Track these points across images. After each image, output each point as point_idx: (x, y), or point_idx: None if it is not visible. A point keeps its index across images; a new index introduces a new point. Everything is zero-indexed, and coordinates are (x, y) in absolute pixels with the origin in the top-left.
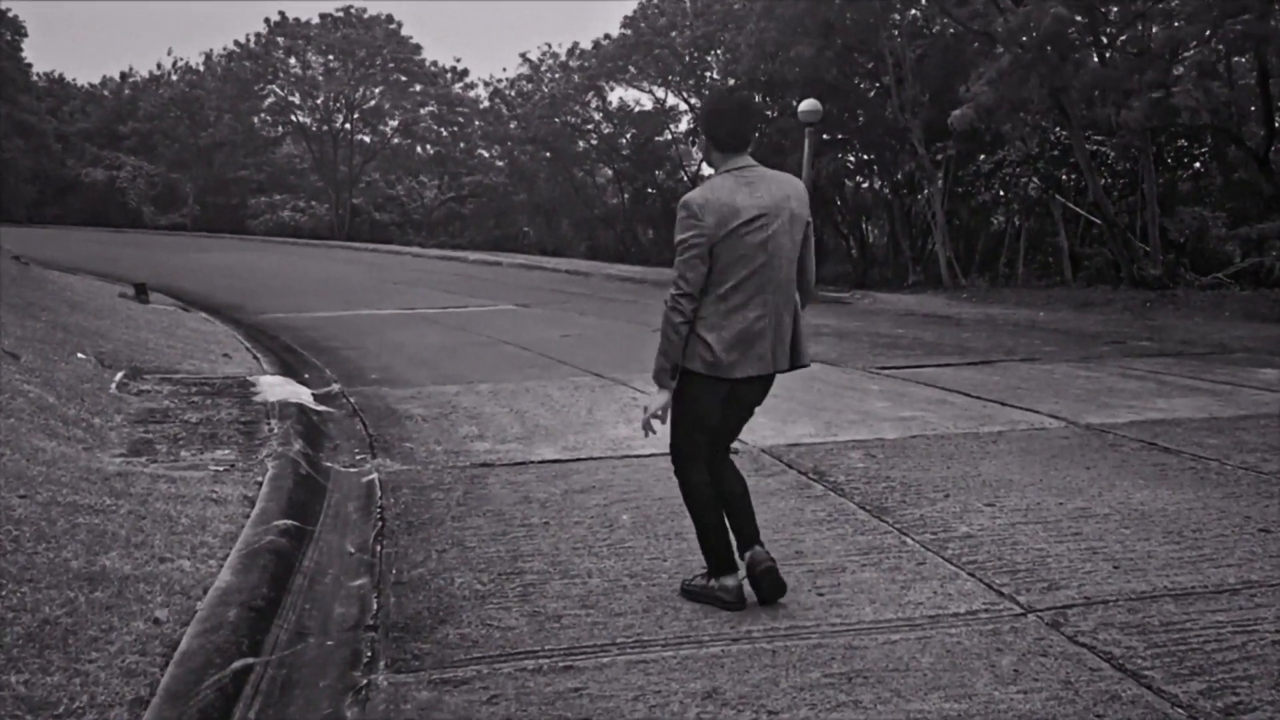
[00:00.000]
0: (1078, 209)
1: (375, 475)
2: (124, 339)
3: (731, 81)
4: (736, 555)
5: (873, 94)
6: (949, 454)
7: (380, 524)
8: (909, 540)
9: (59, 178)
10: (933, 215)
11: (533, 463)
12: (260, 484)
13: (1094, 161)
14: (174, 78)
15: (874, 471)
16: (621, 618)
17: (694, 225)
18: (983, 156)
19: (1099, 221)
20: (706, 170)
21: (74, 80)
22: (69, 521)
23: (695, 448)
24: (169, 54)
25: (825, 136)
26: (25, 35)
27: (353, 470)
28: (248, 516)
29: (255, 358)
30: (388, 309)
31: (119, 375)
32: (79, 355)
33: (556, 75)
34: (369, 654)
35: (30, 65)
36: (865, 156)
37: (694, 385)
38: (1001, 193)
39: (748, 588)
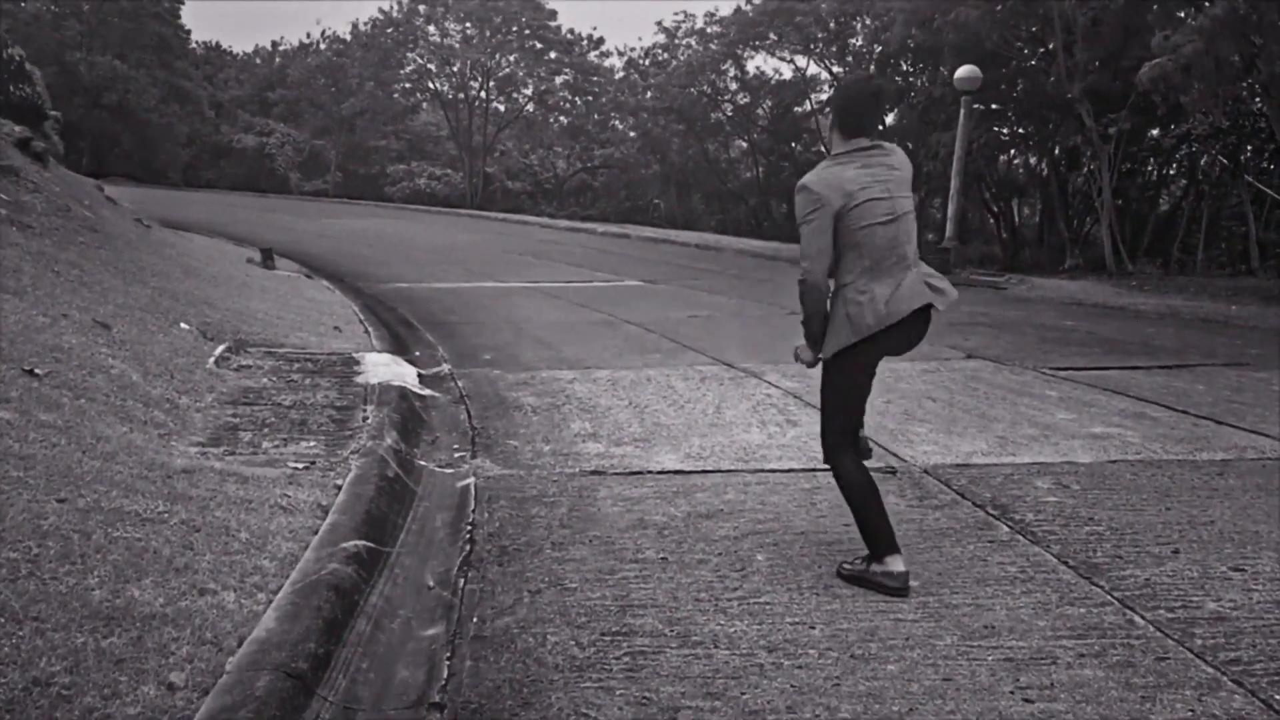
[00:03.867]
0: (1267, 190)
1: (472, 480)
2: (234, 308)
3: (879, 49)
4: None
5: (1034, 61)
6: (1163, 489)
7: (469, 547)
8: (1137, 619)
9: (213, 143)
10: (1098, 193)
11: (651, 473)
12: (339, 488)
13: None
14: (321, 46)
15: (1070, 509)
16: (758, 718)
17: (814, 203)
18: (1154, 131)
19: None
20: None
21: (230, 48)
22: (106, 535)
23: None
24: (317, 24)
25: (978, 106)
26: (183, 2)
27: (448, 471)
28: (315, 532)
29: (367, 332)
30: (511, 281)
31: (220, 349)
32: (181, 325)
33: (693, 43)
34: None
35: (190, 33)
36: (1020, 130)
37: (843, 359)
38: (1173, 170)
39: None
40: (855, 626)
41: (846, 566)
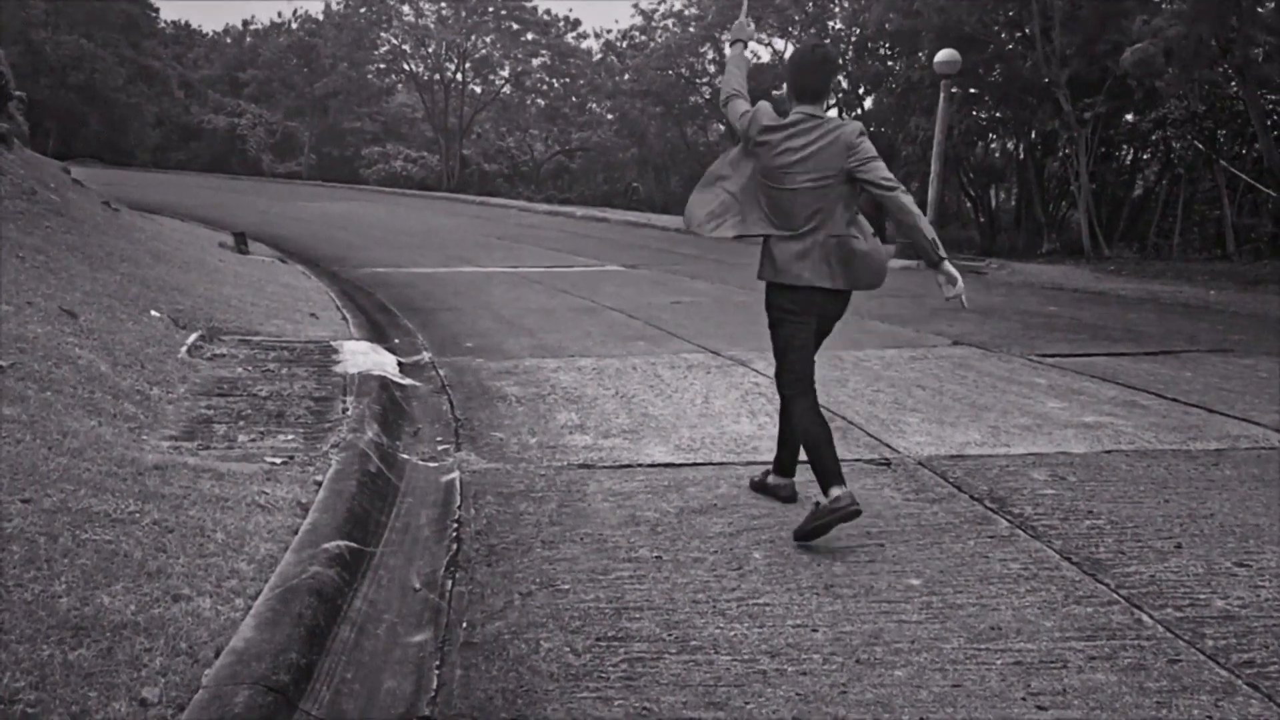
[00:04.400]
0: (1240, 174)
1: (456, 475)
2: (207, 295)
3: (858, 32)
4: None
5: (1011, 46)
6: (1160, 480)
7: (456, 546)
8: (1145, 618)
9: (183, 124)
10: (1075, 177)
11: (641, 465)
12: (319, 484)
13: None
14: (294, 25)
15: (1069, 502)
16: None
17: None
18: (1129, 116)
19: (1268, 190)
20: None
21: (199, 27)
22: (74, 538)
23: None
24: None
25: (955, 91)
26: None
27: (432, 465)
28: (295, 532)
29: (344, 318)
30: (490, 266)
31: (192, 338)
32: (152, 313)
33: (670, 25)
34: None
35: (158, 11)
36: (998, 114)
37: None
38: (1147, 155)
39: None
40: (859, 629)
41: (755, 478)
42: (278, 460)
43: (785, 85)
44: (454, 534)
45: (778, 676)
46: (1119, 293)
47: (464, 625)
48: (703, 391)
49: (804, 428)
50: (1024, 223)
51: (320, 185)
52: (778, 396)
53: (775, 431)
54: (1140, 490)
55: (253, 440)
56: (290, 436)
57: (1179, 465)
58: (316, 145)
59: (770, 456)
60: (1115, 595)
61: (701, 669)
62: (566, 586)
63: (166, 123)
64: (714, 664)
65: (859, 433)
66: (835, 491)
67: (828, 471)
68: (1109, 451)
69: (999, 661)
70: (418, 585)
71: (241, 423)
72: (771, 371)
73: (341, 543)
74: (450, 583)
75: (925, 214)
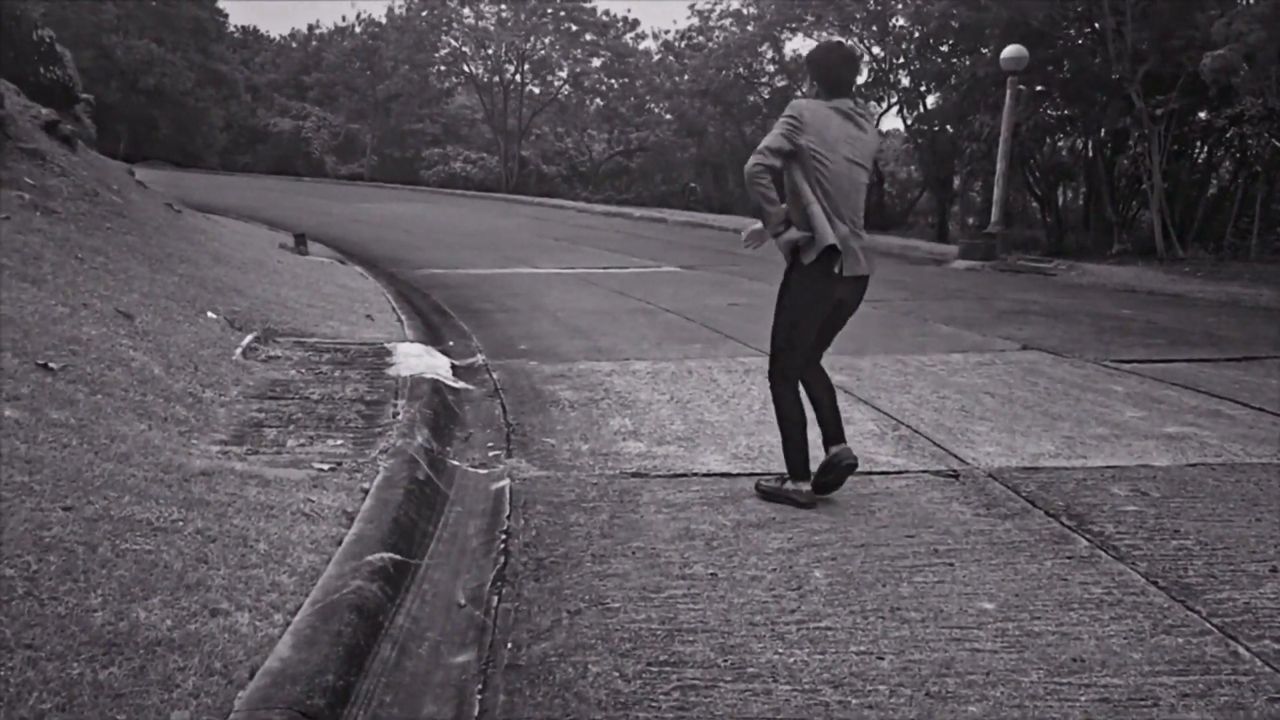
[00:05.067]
0: None
1: (506, 482)
2: (264, 296)
3: (920, 29)
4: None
5: (1080, 41)
6: (1251, 497)
7: (503, 559)
8: (1242, 651)
9: (249, 127)
10: (1147, 175)
11: (696, 475)
12: (366, 491)
13: None
14: (357, 29)
15: (1153, 520)
16: None
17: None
18: (1202, 113)
19: None
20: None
21: (267, 32)
22: (114, 548)
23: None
24: (352, 6)
25: (1022, 88)
26: None
27: (482, 472)
28: (339, 542)
29: (400, 320)
30: (547, 267)
31: (247, 339)
32: (208, 314)
33: (729, 24)
34: None
35: (227, 17)
36: (1066, 112)
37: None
38: (1222, 153)
39: None
40: (928, 658)
41: (764, 483)
42: (325, 466)
43: (811, 81)
44: (502, 546)
45: (841, 710)
46: (1196, 295)
47: (509, 646)
48: (760, 397)
49: (795, 413)
50: (1093, 222)
51: (381, 186)
52: (839, 403)
53: None
54: (1230, 508)
55: (302, 445)
56: (340, 441)
57: (1270, 481)
58: (378, 147)
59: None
60: (1207, 624)
61: (759, 699)
62: (617, 605)
63: (234, 126)
64: (772, 694)
65: (924, 441)
66: (804, 486)
67: (800, 464)
68: (1194, 465)
69: (1083, 698)
70: (463, 601)
71: (291, 427)
72: (836, 376)
73: (386, 555)
74: (496, 599)
75: (993, 213)
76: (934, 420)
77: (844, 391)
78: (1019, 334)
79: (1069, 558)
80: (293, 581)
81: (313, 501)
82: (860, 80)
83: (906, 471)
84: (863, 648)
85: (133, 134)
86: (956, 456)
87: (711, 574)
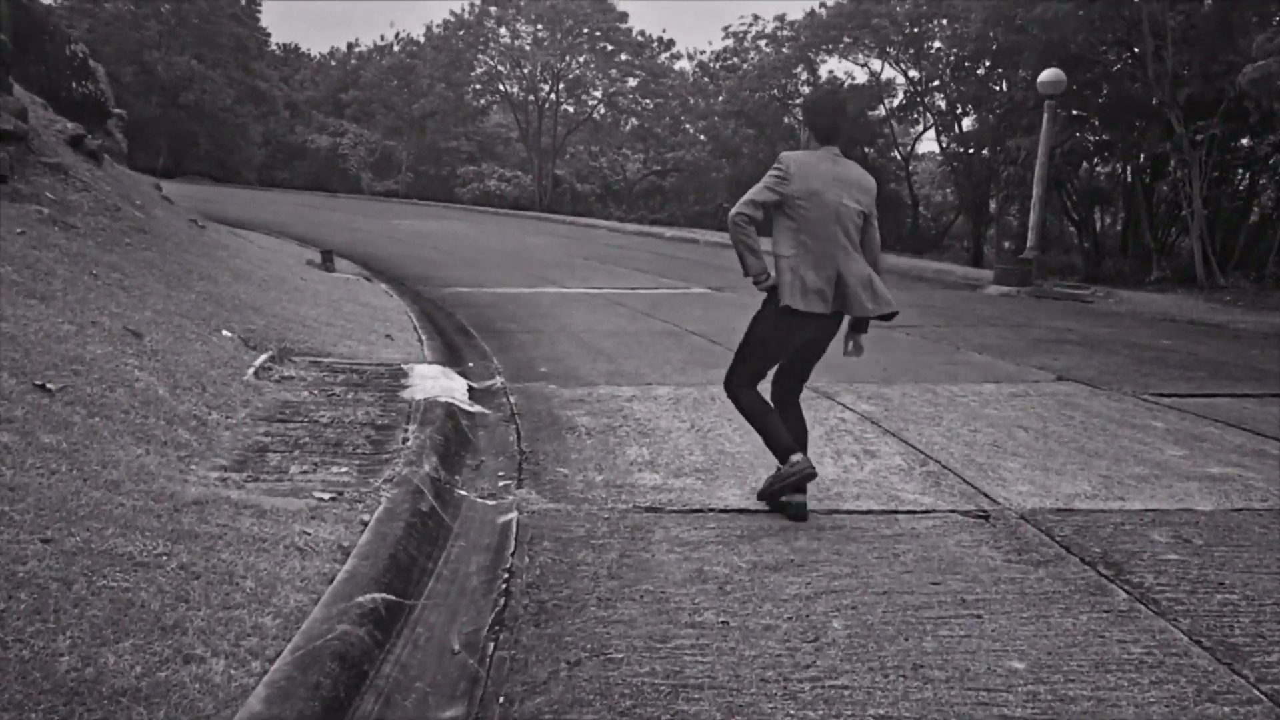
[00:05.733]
0: None
1: (514, 515)
2: (282, 314)
3: (956, 51)
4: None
5: (1119, 66)
6: None
7: (503, 601)
8: None
9: (287, 143)
10: (1187, 202)
11: (713, 510)
12: (365, 524)
13: None
14: (395, 48)
15: (1196, 570)
16: None
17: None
18: (1245, 140)
19: None
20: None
21: (307, 50)
22: (90, 584)
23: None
24: (391, 25)
25: (1060, 112)
26: (260, 5)
27: (490, 503)
28: (331, 580)
29: (420, 340)
30: (575, 287)
31: (261, 359)
32: (223, 333)
33: (763, 46)
34: None
35: (269, 35)
36: (1104, 136)
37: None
38: (1264, 180)
39: None
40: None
41: (762, 490)
42: (326, 496)
43: (808, 130)
44: (503, 586)
45: None
46: (1238, 325)
47: (501, 700)
48: None
49: (757, 405)
50: (1130, 249)
51: (415, 203)
52: (865, 434)
53: (862, 475)
54: (1278, 558)
55: (305, 472)
56: (344, 469)
57: None
58: (414, 164)
59: (855, 504)
60: (1256, 691)
61: None
62: (620, 655)
63: (272, 142)
64: None
65: (953, 478)
66: (794, 458)
67: (782, 444)
68: (1239, 510)
69: None
70: (456, 647)
71: (297, 452)
72: (863, 405)
73: (378, 595)
74: (492, 645)
75: (1029, 238)
76: (964, 455)
77: (871, 422)
78: (1054, 364)
79: (1106, 611)
80: (276, 624)
81: (308, 534)
82: (895, 103)
83: (934, 511)
84: (881, 710)
85: (172, 149)
86: (987, 495)
87: (723, 622)
